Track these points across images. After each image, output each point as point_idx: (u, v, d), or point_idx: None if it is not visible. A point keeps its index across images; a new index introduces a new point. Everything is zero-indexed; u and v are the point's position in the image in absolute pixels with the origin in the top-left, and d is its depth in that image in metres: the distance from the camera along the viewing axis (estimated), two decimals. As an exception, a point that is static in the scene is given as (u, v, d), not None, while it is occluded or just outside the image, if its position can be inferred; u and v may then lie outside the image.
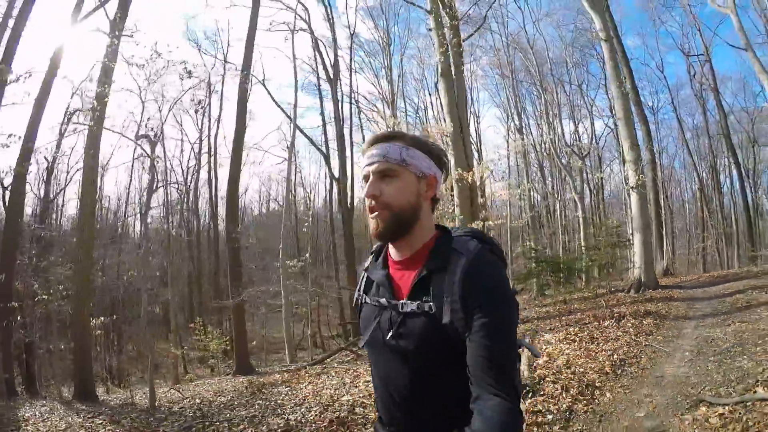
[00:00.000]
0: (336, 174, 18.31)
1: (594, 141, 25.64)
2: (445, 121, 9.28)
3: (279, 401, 6.15)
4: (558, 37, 23.55)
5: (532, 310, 10.57)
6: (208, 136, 23.57)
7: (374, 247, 1.22)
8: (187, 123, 26.66)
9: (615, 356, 4.95)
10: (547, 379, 4.35)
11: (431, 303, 0.99)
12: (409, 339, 1.01)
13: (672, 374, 4.16)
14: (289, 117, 16.31)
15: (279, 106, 17.65)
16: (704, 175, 26.65)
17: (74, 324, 9.21)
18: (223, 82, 22.40)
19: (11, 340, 9.31)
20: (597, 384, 4.14)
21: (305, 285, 14.16)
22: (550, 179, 25.34)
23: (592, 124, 25.85)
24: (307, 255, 14.19)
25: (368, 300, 1.15)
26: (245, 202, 30.79)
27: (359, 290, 1.20)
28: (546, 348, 5.65)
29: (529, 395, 3.94)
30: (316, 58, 19.04)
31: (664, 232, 19.65)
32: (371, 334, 1.10)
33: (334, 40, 18.91)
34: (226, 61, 20.24)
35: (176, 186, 22.89)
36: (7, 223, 9.70)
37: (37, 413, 6.76)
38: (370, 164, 1.06)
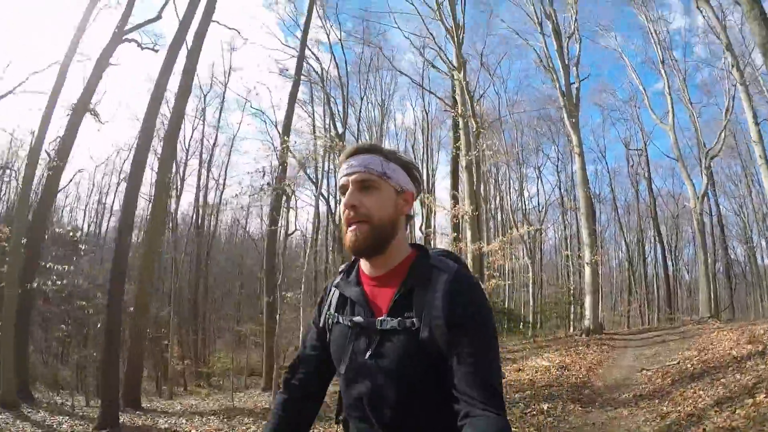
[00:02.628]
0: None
1: (543, 211, 31.20)
2: (465, 202, 13.37)
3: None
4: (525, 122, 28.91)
5: (515, 346, 14.62)
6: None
7: (342, 265, 1.21)
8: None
9: (593, 360, 9.02)
10: (566, 371, 8.33)
11: (413, 319, 0.99)
12: (390, 358, 1.01)
13: (626, 364, 8.25)
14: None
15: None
16: (632, 246, 32.84)
17: (133, 337, 10.04)
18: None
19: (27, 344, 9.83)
20: (586, 375, 8.10)
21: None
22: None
23: (538, 193, 31.18)
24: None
25: (341, 319, 1.12)
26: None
27: (329, 309, 1.16)
28: (551, 360, 9.64)
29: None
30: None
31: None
32: (349, 355, 1.07)
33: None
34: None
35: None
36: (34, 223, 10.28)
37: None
38: (349, 174, 1.06)
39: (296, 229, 16.07)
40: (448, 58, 14.39)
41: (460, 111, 13.87)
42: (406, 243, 1.13)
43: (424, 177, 28.09)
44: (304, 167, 13.12)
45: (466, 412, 0.91)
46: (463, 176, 13.79)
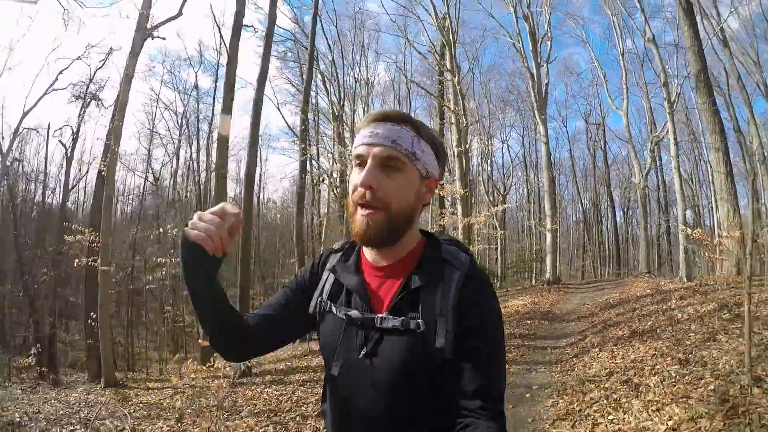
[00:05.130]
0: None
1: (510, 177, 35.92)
2: (458, 184, 17.59)
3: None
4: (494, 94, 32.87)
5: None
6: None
7: (340, 243, 1.14)
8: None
9: (553, 300, 13.65)
10: (536, 306, 12.91)
11: (419, 321, 0.94)
12: (388, 360, 0.96)
13: (575, 302, 12.90)
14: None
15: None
16: (588, 207, 37.96)
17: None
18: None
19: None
20: (549, 308, 12.65)
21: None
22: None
23: (503, 158, 35.79)
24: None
25: (334, 309, 1.05)
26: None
27: (320, 293, 1.09)
28: (524, 300, 14.20)
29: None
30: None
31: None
32: (339, 350, 1.02)
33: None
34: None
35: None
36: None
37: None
38: (372, 144, 0.96)
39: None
40: (446, 66, 18.23)
41: (453, 109, 17.92)
42: (418, 232, 1.06)
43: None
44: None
45: (467, 422, 0.89)
46: (455, 163, 17.97)
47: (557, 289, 17.12)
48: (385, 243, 0.99)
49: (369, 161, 0.95)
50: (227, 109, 10.56)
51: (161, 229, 14.31)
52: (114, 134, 11.02)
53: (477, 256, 21.02)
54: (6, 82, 43.22)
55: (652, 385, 4.22)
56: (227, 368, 8.22)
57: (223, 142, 10.96)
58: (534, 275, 24.38)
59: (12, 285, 18.82)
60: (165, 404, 7.53)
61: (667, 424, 3.24)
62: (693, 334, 5.91)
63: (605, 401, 4.27)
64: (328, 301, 1.07)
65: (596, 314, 10.08)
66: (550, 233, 19.63)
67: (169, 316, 18.31)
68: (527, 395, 5.31)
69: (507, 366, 4.11)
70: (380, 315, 0.98)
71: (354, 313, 1.01)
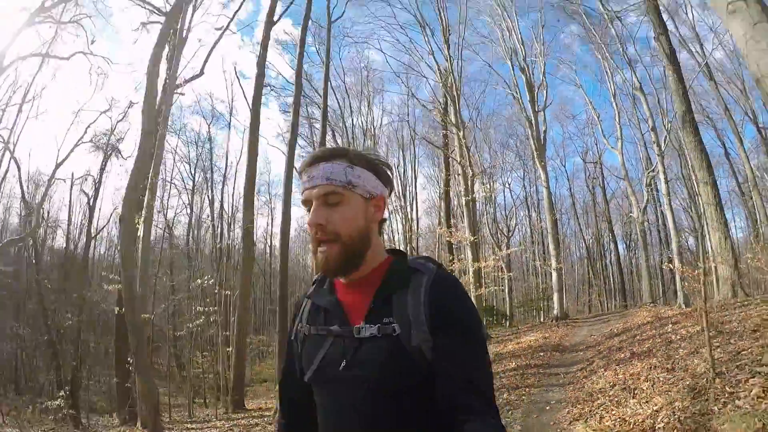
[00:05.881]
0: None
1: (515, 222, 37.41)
2: (467, 232, 18.92)
3: None
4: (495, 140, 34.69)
5: (505, 332, 20.36)
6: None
7: (316, 276, 1.21)
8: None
9: (562, 333, 14.76)
10: (546, 339, 14.03)
11: (394, 325, 0.99)
12: (369, 367, 1.00)
13: (582, 334, 14.02)
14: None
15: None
16: (590, 242, 38.97)
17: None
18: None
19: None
20: (559, 341, 13.75)
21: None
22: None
23: (504, 199, 37.30)
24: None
25: (313, 330, 1.11)
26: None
27: (300, 321, 1.17)
28: (535, 336, 15.29)
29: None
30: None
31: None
32: (318, 366, 1.07)
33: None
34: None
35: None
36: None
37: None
38: (311, 188, 1.05)
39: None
40: (452, 120, 19.88)
41: (460, 161, 19.53)
42: (382, 248, 1.13)
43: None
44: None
45: (463, 419, 0.90)
46: (464, 211, 19.41)
47: (565, 324, 18.21)
48: (348, 270, 1.06)
49: (313, 203, 1.04)
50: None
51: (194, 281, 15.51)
52: (150, 189, 12.41)
53: (486, 297, 22.16)
54: (31, 132, 45.46)
55: (644, 388, 5.45)
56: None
57: (250, 201, 12.54)
58: (542, 312, 25.44)
59: (33, 330, 19.43)
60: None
61: (653, 409, 4.47)
62: (681, 350, 7.12)
63: (609, 403, 5.49)
64: (307, 325, 1.13)
65: (602, 343, 11.23)
66: (556, 272, 20.85)
67: (189, 361, 19.10)
68: (547, 408, 6.49)
69: (530, 387, 5.51)
70: (358, 326, 1.03)
71: (333, 327, 1.07)
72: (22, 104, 19.18)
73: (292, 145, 12.49)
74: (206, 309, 13.37)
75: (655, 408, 4.52)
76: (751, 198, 21.76)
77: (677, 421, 3.90)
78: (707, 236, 19.80)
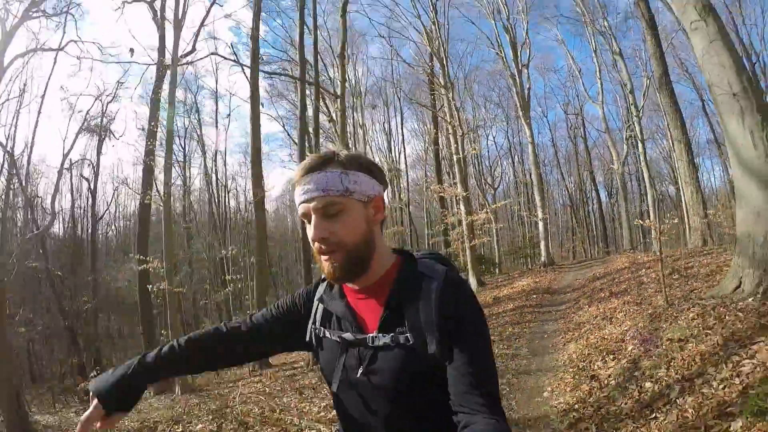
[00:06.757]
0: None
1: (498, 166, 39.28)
2: (459, 187, 20.65)
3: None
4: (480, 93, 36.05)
5: (498, 278, 22.50)
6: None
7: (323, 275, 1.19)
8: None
9: (550, 278, 16.85)
10: (537, 283, 16.10)
11: (407, 334, 1.03)
12: (384, 375, 1.05)
13: (569, 278, 16.11)
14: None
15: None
16: (573, 190, 41.01)
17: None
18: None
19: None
20: (548, 285, 15.79)
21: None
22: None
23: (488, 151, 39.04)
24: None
25: (328, 334, 1.15)
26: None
27: (314, 322, 1.20)
28: (527, 280, 17.35)
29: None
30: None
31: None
32: (341, 378, 1.12)
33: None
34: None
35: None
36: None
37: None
38: (308, 201, 1.05)
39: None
40: (440, 82, 21.26)
41: (450, 121, 21.06)
42: (388, 250, 1.15)
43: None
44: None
45: (467, 421, 0.94)
46: (456, 168, 21.07)
47: (552, 270, 20.37)
48: (355, 276, 1.08)
49: (312, 216, 1.04)
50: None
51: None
52: (165, 167, 13.61)
53: (477, 247, 24.17)
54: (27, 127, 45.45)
55: (619, 317, 7.41)
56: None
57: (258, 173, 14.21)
58: (530, 260, 27.71)
59: (47, 318, 19.63)
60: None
61: (623, 329, 6.40)
62: (650, 289, 9.06)
63: (592, 328, 7.46)
64: (321, 328, 1.17)
65: (586, 285, 13.27)
66: (542, 222, 22.87)
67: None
68: (545, 336, 8.47)
69: (529, 322, 7.53)
70: (371, 335, 1.07)
71: (347, 335, 1.10)
72: (20, 97, 20.09)
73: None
74: (232, 277, 15.09)
75: (625, 329, 6.44)
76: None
77: (638, 334, 5.79)
78: (680, 189, 21.95)
